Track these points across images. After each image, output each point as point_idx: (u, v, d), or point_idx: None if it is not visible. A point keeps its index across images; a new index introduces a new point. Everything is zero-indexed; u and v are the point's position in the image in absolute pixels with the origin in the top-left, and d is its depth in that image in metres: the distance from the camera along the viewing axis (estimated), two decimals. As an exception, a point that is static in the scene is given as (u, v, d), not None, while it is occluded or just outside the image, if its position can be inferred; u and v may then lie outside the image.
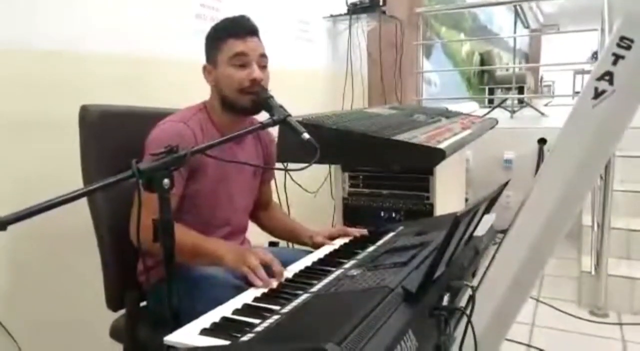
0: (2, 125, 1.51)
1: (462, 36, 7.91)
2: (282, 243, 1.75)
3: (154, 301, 1.40)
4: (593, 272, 2.63)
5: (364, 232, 1.55)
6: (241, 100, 1.38)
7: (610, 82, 1.12)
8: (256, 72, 1.37)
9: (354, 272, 1.09)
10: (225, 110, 1.42)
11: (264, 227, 1.71)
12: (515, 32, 6.17)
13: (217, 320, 0.92)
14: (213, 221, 1.46)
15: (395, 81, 3.78)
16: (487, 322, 1.25)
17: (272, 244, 1.73)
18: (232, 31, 1.37)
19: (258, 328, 0.85)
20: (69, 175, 1.36)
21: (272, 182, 1.77)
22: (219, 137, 1.36)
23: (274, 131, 1.55)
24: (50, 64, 1.63)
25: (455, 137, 1.97)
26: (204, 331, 0.87)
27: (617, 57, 1.11)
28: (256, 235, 1.70)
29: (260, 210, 1.68)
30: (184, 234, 1.21)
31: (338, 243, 1.48)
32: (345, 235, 1.54)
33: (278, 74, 1.66)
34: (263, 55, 1.40)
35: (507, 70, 7.19)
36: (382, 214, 2.04)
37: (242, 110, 1.41)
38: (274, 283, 1.12)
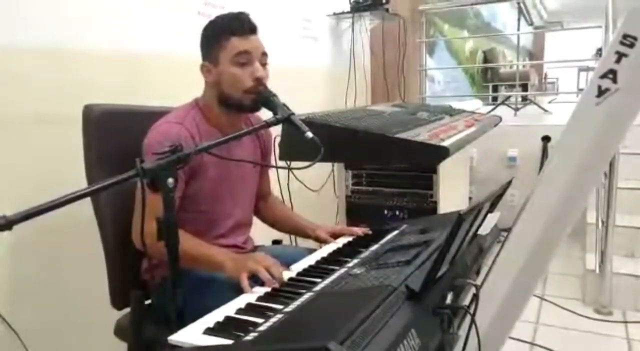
0: (5, 124, 1.51)
1: (465, 34, 7.89)
2: (286, 242, 1.75)
3: (158, 300, 1.40)
4: (597, 270, 2.62)
5: (367, 231, 1.55)
6: (244, 99, 1.37)
7: (614, 80, 1.12)
8: (260, 71, 1.36)
9: (357, 271, 1.09)
10: (223, 107, 1.41)
11: (264, 219, 1.70)
12: (519, 29, 6.14)
13: (220, 319, 0.93)
14: (216, 215, 1.46)
15: (398, 79, 3.78)
16: (490, 320, 1.25)
17: (275, 242, 1.73)
18: (234, 29, 1.36)
19: (261, 328, 0.85)
20: (73, 174, 1.37)
21: (276, 181, 1.77)
22: (216, 135, 1.38)
23: (276, 129, 1.55)
24: (53, 62, 1.63)
25: (459, 134, 1.97)
26: (208, 331, 0.88)
27: (620, 55, 1.11)
28: (260, 234, 1.70)
29: (260, 201, 1.68)
30: (185, 241, 1.21)
31: (341, 241, 1.49)
32: (349, 234, 1.54)
33: (281, 72, 1.66)
34: (264, 54, 1.40)
35: (510, 67, 7.18)
36: (386, 212, 2.04)
37: (243, 108, 1.40)
38: (276, 284, 1.12)
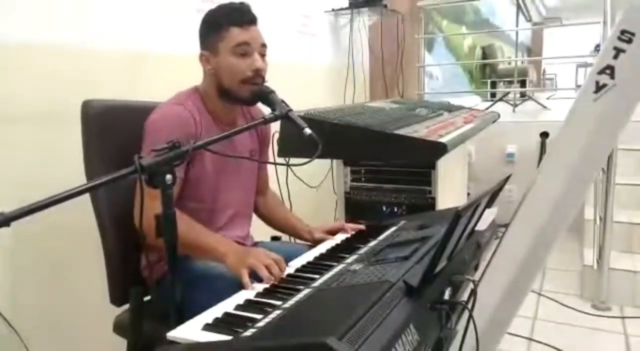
0: (3, 121, 1.51)
1: (464, 30, 7.88)
2: (285, 238, 1.75)
3: (157, 296, 1.40)
4: (595, 266, 2.63)
5: (362, 227, 1.56)
6: (241, 90, 1.38)
7: (612, 76, 1.12)
8: (258, 62, 1.37)
9: (356, 267, 1.09)
10: (221, 98, 1.41)
11: (261, 215, 1.70)
12: (517, 25, 6.13)
13: (219, 315, 0.93)
14: (216, 204, 1.46)
15: (397, 75, 3.78)
16: (488, 316, 1.26)
17: (274, 239, 1.73)
18: (234, 19, 1.36)
19: (260, 323, 0.85)
20: (72, 171, 1.37)
21: (274, 178, 1.77)
22: (214, 123, 1.39)
23: (275, 125, 1.55)
24: (53, 60, 1.62)
25: (457, 131, 1.97)
26: (207, 327, 0.88)
27: (618, 51, 1.11)
28: (258, 230, 1.70)
29: (257, 195, 1.67)
30: (187, 228, 1.21)
31: (339, 238, 1.49)
32: (343, 230, 1.55)
33: (280, 68, 1.66)
34: (264, 45, 1.40)
35: (509, 63, 7.17)
36: (384, 208, 2.04)
37: (240, 100, 1.41)
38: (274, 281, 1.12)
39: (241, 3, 1.40)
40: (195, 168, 1.39)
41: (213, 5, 1.43)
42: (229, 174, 1.47)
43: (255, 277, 1.13)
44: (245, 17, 1.37)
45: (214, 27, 1.38)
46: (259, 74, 1.37)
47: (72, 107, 1.40)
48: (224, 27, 1.36)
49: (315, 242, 1.53)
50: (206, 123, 1.37)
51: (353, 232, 1.53)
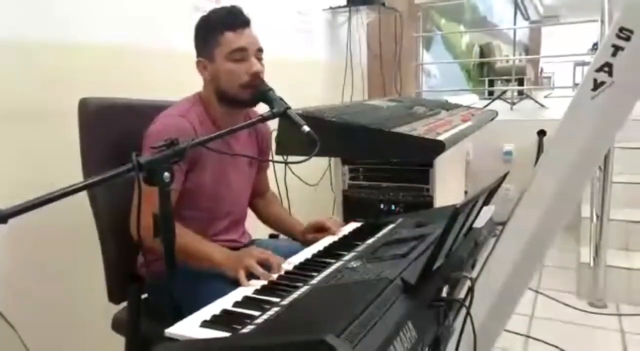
0: (1, 119, 1.51)
1: (461, 28, 7.89)
2: (283, 236, 1.75)
3: (154, 294, 1.40)
4: (592, 263, 2.64)
5: (336, 227, 1.53)
6: (241, 94, 1.37)
7: (610, 74, 1.12)
8: (256, 66, 1.36)
9: (354, 264, 1.09)
10: (222, 103, 1.41)
11: (260, 215, 1.71)
12: (515, 23, 6.15)
13: (217, 312, 0.93)
14: (215, 213, 1.47)
15: (394, 73, 3.78)
16: (486, 313, 1.26)
17: (272, 236, 1.73)
18: (228, 24, 1.35)
19: (258, 320, 0.85)
20: (69, 169, 1.37)
21: (272, 175, 1.77)
22: (216, 130, 1.37)
23: (273, 123, 1.55)
24: (48, 56, 1.62)
25: (455, 129, 1.97)
26: (205, 323, 0.88)
27: (616, 48, 1.11)
28: (257, 228, 1.70)
29: (257, 197, 1.68)
30: (182, 238, 1.21)
31: (336, 237, 1.48)
32: (322, 227, 1.52)
33: (278, 66, 1.66)
34: (260, 50, 1.39)
35: (507, 61, 7.17)
36: (382, 206, 2.04)
37: (241, 103, 1.40)
38: (274, 276, 1.13)
39: (233, 6, 1.39)
40: (195, 177, 1.38)
41: (210, 4, 1.43)
42: (227, 183, 1.47)
43: (254, 276, 1.14)
44: (238, 20, 1.36)
45: (208, 33, 1.38)
46: (257, 77, 1.36)
47: (70, 104, 1.39)
48: (218, 32, 1.35)
49: (307, 243, 1.53)
50: (207, 134, 1.36)
51: (339, 235, 1.49)
